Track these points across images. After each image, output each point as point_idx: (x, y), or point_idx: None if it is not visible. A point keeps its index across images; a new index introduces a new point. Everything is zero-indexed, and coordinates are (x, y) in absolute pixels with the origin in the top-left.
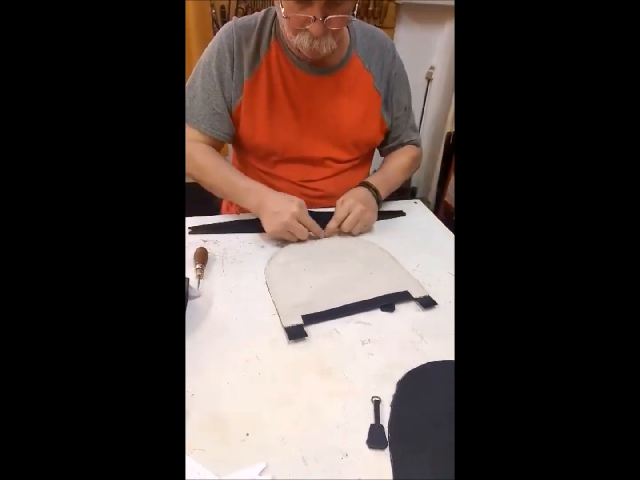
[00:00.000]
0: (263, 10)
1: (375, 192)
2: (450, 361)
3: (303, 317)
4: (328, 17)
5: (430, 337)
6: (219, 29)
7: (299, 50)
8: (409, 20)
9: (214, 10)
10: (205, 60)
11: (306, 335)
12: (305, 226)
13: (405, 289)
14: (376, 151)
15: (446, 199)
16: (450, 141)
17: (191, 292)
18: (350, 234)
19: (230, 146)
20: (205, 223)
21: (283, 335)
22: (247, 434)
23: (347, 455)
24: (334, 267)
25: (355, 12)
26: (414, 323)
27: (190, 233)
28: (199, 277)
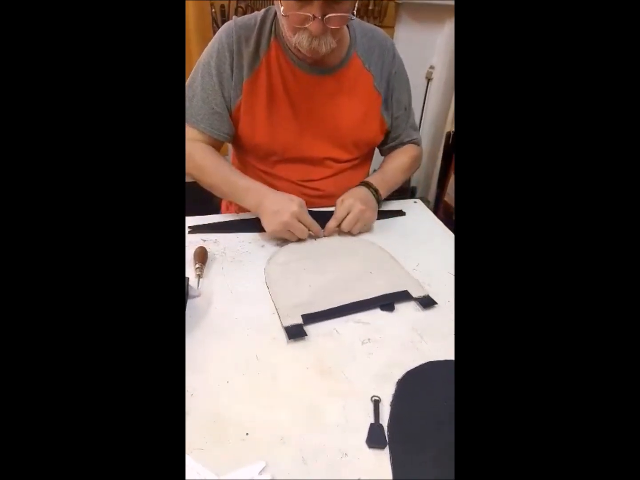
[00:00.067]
0: (263, 10)
1: (375, 191)
2: (449, 361)
3: (303, 316)
4: (327, 16)
5: (429, 336)
6: (218, 28)
7: (299, 50)
8: (409, 20)
9: (213, 10)
10: (204, 60)
11: (306, 335)
12: (305, 225)
13: (404, 289)
14: (376, 151)
15: (446, 198)
16: (450, 141)
17: (191, 292)
18: (349, 233)
19: (230, 146)
20: (205, 222)
21: (283, 335)
22: (247, 434)
23: (346, 454)
24: (333, 267)
25: (354, 11)
26: (414, 323)
27: (189, 232)
28: (199, 276)
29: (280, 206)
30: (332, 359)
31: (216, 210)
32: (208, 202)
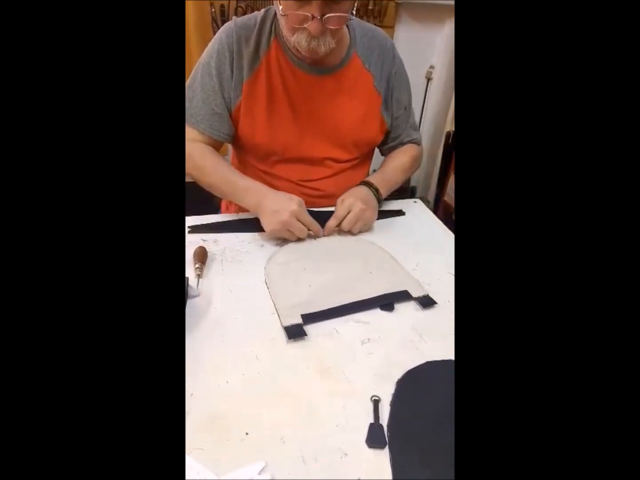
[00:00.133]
0: (263, 10)
1: (375, 191)
2: (449, 360)
3: (302, 316)
4: (326, 16)
5: (429, 336)
6: (218, 28)
7: (298, 50)
8: (408, 20)
9: (213, 10)
10: (204, 61)
11: (305, 335)
12: (304, 224)
13: (404, 289)
14: (376, 150)
15: (445, 198)
16: (450, 140)
17: (190, 292)
18: (349, 232)
19: (229, 146)
20: (205, 222)
21: (282, 335)
22: (247, 433)
23: (346, 454)
24: (333, 267)
25: (354, 12)
26: (414, 322)
27: (189, 232)
28: (199, 276)
29: (279, 206)
30: (332, 358)
31: (216, 210)
32: (208, 202)
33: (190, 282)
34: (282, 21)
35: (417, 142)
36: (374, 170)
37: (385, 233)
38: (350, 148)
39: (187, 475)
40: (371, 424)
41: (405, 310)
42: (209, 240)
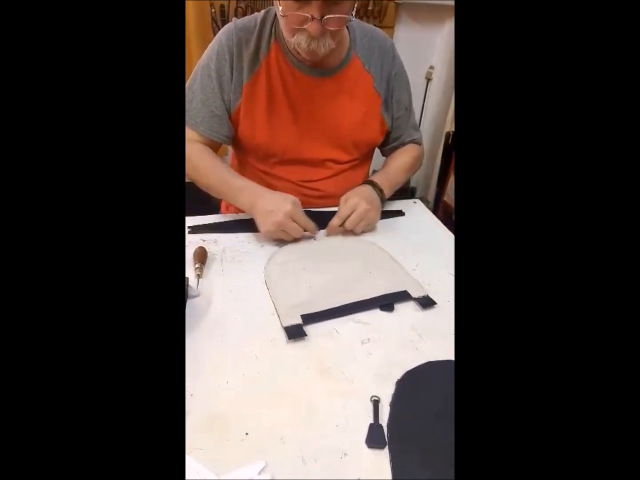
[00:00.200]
0: (263, 11)
1: (380, 191)
2: (449, 361)
3: (302, 316)
4: (326, 17)
5: (429, 336)
6: (218, 28)
7: (298, 52)
8: (408, 20)
9: (213, 10)
10: (204, 62)
11: (305, 335)
12: (299, 224)
13: (404, 289)
14: (376, 151)
15: (445, 198)
16: (450, 141)
17: (190, 292)
18: (352, 232)
19: (229, 146)
20: (205, 222)
21: (282, 335)
22: (247, 434)
23: (346, 454)
24: (333, 267)
25: (354, 13)
26: (413, 323)
27: (189, 232)
28: (199, 276)
29: (274, 206)
30: (332, 359)
31: (216, 210)
32: (207, 202)
33: (190, 282)
34: (282, 22)
35: (418, 142)
36: (374, 171)
37: (385, 233)
38: (350, 149)
39: (187, 475)
40: (371, 424)
41: (405, 311)
42: (209, 241)
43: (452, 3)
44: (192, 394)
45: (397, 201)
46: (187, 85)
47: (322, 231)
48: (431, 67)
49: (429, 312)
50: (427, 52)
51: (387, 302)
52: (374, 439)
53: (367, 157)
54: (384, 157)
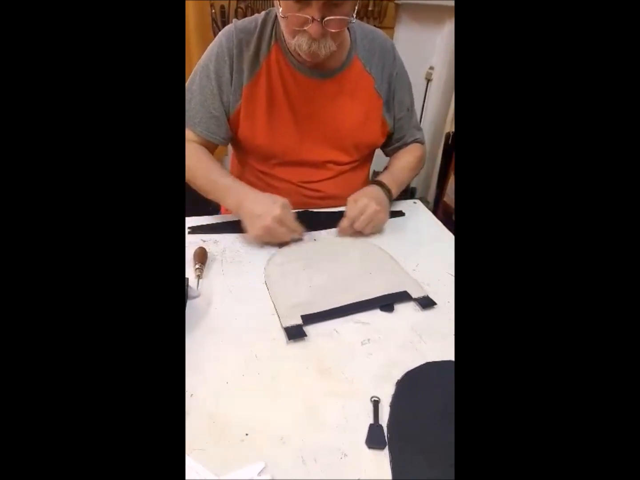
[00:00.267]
0: (263, 12)
1: (387, 191)
2: (449, 361)
3: (302, 317)
4: (327, 19)
5: (429, 337)
6: (218, 29)
7: (298, 53)
8: (408, 20)
9: (213, 10)
10: (203, 63)
11: (305, 335)
12: (288, 228)
13: (404, 289)
14: (376, 151)
15: (445, 199)
16: (450, 141)
17: (190, 292)
18: (360, 233)
19: (229, 146)
20: (205, 223)
21: (282, 335)
22: (247, 434)
23: (346, 455)
24: (333, 267)
25: (354, 14)
26: (413, 323)
27: (189, 233)
28: (199, 277)
29: (262, 209)
30: (332, 359)
31: (216, 210)
32: (208, 203)
33: (190, 283)
34: (282, 23)
35: (421, 141)
36: (374, 171)
37: (386, 234)
38: (351, 151)
39: (187, 475)
40: (371, 425)
41: (405, 311)
42: (209, 241)
43: (452, 4)
44: (192, 394)
45: (397, 202)
46: (186, 85)
47: (323, 231)
48: (431, 68)
49: (428, 313)
50: (427, 53)
51: (387, 303)
52: (374, 439)
53: (368, 158)
54: (385, 158)
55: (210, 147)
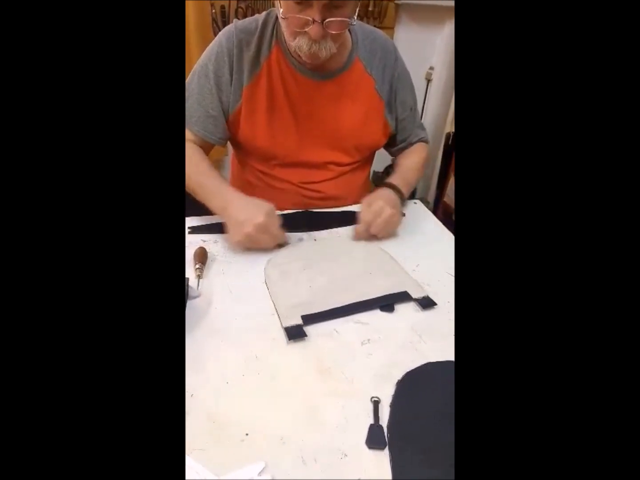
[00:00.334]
0: (264, 13)
1: (400, 194)
2: (449, 361)
3: (302, 317)
4: (327, 20)
5: (429, 337)
6: (219, 29)
7: (299, 55)
8: (408, 21)
9: (213, 10)
10: (203, 63)
11: (305, 335)
12: (271, 236)
13: (404, 289)
14: (377, 152)
15: (445, 199)
16: (450, 141)
17: (191, 292)
18: (374, 237)
19: (229, 146)
20: (205, 223)
21: (282, 335)
22: (247, 434)
23: (346, 455)
24: (333, 267)
25: (355, 16)
26: (413, 323)
27: (189, 233)
28: (199, 276)
29: (245, 216)
30: (332, 359)
31: None
32: None
33: (190, 283)
34: (283, 24)
35: (426, 140)
36: (374, 171)
37: None
38: (352, 152)
39: (187, 475)
40: (371, 425)
41: (405, 311)
42: (209, 241)
43: (452, 4)
44: (192, 394)
45: None
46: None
47: (323, 231)
48: (431, 68)
49: (429, 313)
50: (427, 53)
51: (387, 303)
52: (374, 439)
53: (369, 159)
54: (384, 158)
55: (207, 147)
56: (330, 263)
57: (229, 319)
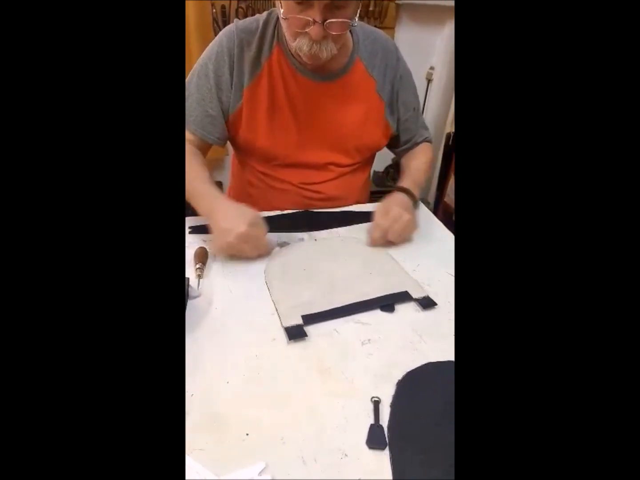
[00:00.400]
0: (265, 13)
1: (413, 197)
2: (449, 361)
3: (303, 317)
4: (328, 21)
5: (429, 337)
6: (219, 28)
7: (300, 55)
8: (409, 21)
9: (214, 10)
10: (203, 62)
11: (306, 335)
12: (253, 245)
13: (404, 289)
14: (377, 152)
15: (445, 199)
16: (450, 142)
17: (191, 292)
18: (391, 242)
19: (229, 146)
20: (206, 223)
21: (283, 335)
22: (247, 434)
23: (346, 455)
24: (333, 268)
25: (356, 17)
26: (414, 323)
27: (190, 233)
28: (199, 276)
29: (228, 224)
30: (332, 359)
31: None
32: None
33: (190, 283)
34: (284, 25)
35: (430, 140)
36: (374, 172)
37: None
38: (352, 153)
39: (187, 475)
40: (371, 425)
41: (406, 311)
42: (209, 241)
43: (452, 4)
44: (192, 394)
45: None
46: None
47: (323, 232)
48: (431, 68)
49: (429, 313)
50: (427, 53)
51: (387, 303)
52: (375, 439)
53: (369, 160)
54: (384, 158)
55: (205, 147)
56: (330, 263)
57: (229, 319)
